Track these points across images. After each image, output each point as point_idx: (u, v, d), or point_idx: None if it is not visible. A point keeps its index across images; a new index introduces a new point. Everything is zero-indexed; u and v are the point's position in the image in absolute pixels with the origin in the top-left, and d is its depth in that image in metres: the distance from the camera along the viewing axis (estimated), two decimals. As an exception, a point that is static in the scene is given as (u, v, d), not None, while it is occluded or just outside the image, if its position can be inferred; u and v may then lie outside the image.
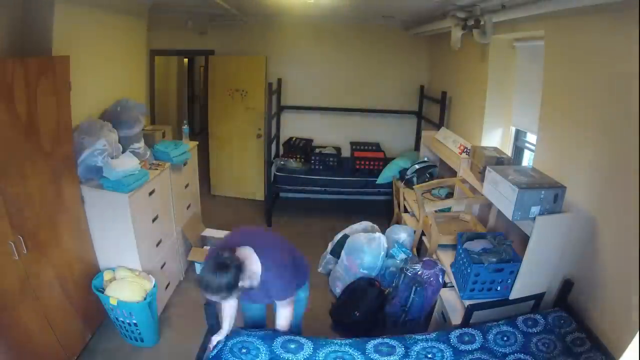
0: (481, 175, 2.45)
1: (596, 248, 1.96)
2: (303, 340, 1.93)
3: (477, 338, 1.97)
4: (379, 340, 1.97)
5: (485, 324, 2.06)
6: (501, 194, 2.09)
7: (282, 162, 4.39)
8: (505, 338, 1.97)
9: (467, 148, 3.11)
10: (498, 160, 2.46)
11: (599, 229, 1.94)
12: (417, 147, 4.62)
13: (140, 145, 2.80)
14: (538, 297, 2.19)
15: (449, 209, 3.16)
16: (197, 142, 3.53)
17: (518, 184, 1.96)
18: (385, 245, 3.06)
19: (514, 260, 2.14)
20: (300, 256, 2.09)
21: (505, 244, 2.25)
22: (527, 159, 2.89)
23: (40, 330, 2.08)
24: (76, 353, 2.35)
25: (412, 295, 2.42)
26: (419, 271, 2.44)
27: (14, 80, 1.83)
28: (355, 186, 4.34)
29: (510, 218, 2.02)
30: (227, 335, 1.92)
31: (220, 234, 3.43)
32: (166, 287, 2.97)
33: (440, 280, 2.40)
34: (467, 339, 1.97)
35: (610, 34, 1.86)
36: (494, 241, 2.29)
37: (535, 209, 1.96)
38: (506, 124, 3.16)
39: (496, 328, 2.02)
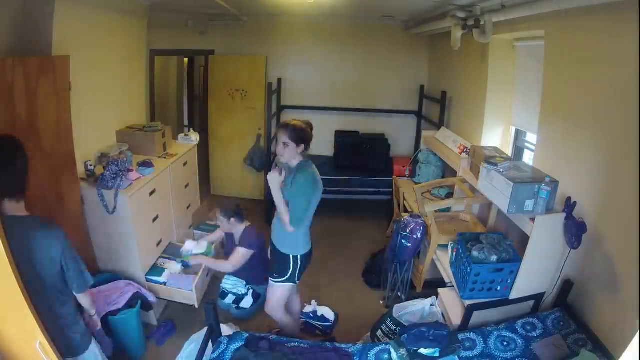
0: (481, 175, 2.46)
1: (596, 248, 1.96)
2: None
3: (477, 343, 1.98)
4: (382, 346, 1.98)
5: (485, 328, 2.06)
6: (496, 189, 2.11)
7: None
8: (505, 343, 1.97)
9: (467, 148, 3.11)
10: (498, 160, 2.46)
11: (599, 229, 1.94)
12: (417, 147, 4.62)
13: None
14: (538, 297, 2.19)
15: (449, 209, 3.16)
16: (197, 143, 3.54)
17: (512, 179, 1.98)
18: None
19: (514, 260, 2.14)
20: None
21: (505, 244, 2.25)
22: (527, 159, 2.89)
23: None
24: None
25: (399, 240, 2.82)
26: (406, 221, 2.83)
27: (14, 80, 1.83)
28: (355, 186, 4.34)
29: (505, 212, 2.03)
30: (229, 337, 1.93)
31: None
32: (166, 287, 2.97)
33: (423, 229, 2.79)
34: (467, 344, 1.98)
35: (610, 34, 1.86)
36: (494, 241, 2.29)
37: (529, 203, 1.98)
38: (506, 124, 3.16)
39: (496, 332, 2.02)
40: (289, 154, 2.10)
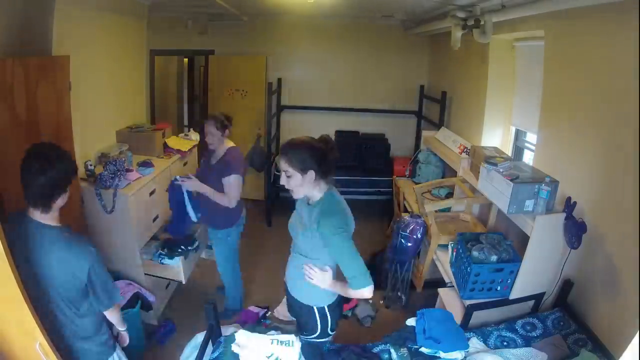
0: (481, 175, 2.46)
1: (596, 248, 1.96)
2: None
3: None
4: (381, 346, 1.97)
5: (485, 328, 2.06)
6: (496, 189, 2.11)
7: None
8: (505, 343, 1.97)
9: (467, 148, 3.11)
10: (498, 160, 2.46)
11: (599, 229, 1.94)
12: (417, 147, 4.62)
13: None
14: (538, 297, 2.19)
15: (449, 209, 3.16)
16: (197, 142, 3.54)
17: (512, 179, 1.98)
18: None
19: (514, 260, 2.14)
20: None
21: (505, 244, 2.25)
22: (527, 159, 2.89)
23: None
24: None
25: (399, 240, 2.81)
26: (406, 221, 2.83)
27: (14, 80, 1.83)
28: (355, 186, 4.34)
29: (505, 212, 2.03)
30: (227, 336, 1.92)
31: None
32: (166, 287, 2.97)
33: (423, 229, 2.79)
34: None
35: (610, 34, 1.86)
36: (494, 241, 2.29)
37: (529, 203, 1.98)
38: (506, 124, 3.16)
39: (496, 332, 2.02)
40: (295, 185, 1.55)
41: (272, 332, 1.85)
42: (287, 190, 1.63)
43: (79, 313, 1.51)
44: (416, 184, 3.70)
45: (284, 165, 1.54)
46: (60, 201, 1.44)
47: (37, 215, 1.41)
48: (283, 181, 1.57)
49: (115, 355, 1.69)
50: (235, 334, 1.84)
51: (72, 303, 1.49)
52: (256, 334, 1.79)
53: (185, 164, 3.29)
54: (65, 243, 1.42)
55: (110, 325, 1.70)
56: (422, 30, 3.91)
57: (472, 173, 2.74)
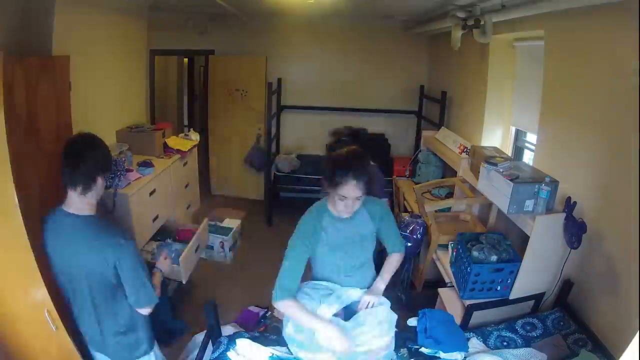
0: (481, 175, 2.46)
1: (596, 248, 1.96)
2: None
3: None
4: None
5: (485, 328, 2.06)
6: (496, 189, 2.11)
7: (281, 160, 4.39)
8: (505, 343, 1.97)
9: (467, 148, 3.11)
10: (498, 160, 2.46)
11: (599, 229, 1.94)
12: (417, 147, 4.62)
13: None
14: (538, 297, 2.19)
15: (449, 209, 3.16)
16: (197, 142, 3.54)
17: (512, 179, 1.98)
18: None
19: (514, 260, 2.14)
20: None
21: (505, 244, 2.25)
22: (527, 159, 2.89)
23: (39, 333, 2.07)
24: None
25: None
26: (406, 221, 2.84)
27: (14, 80, 1.83)
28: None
29: (505, 212, 2.03)
30: (229, 337, 1.92)
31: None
32: (166, 287, 2.97)
33: (423, 229, 2.79)
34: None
35: (610, 34, 1.86)
36: (494, 241, 2.29)
37: (529, 203, 1.98)
38: (506, 124, 3.16)
39: (496, 332, 2.02)
40: (355, 207, 1.63)
41: (277, 346, 1.84)
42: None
43: (113, 307, 1.50)
44: (416, 184, 3.70)
45: (358, 192, 1.53)
46: (100, 184, 1.49)
47: (73, 206, 1.44)
48: (351, 208, 1.60)
49: (152, 354, 1.66)
50: (237, 340, 1.84)
51: (105, 296, 1.47)
52: (257, 345, 1.80)
53: (185, 164, 3.29)
54: (95, 233, 1.42)
55: (151, 324, 1.65)
56: (422, 30, 3.91)
57: (472, 173, 2.74)
